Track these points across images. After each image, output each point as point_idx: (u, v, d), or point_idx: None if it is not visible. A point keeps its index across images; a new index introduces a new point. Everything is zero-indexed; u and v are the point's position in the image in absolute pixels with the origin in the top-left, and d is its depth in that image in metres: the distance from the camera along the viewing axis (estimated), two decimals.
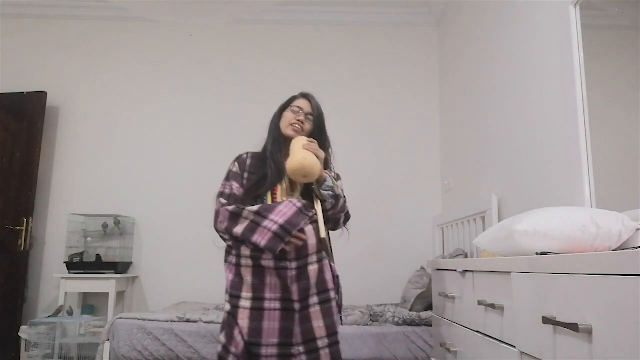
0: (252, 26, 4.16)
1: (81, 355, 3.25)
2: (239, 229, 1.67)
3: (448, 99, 3.83)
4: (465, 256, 2.93)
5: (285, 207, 1.69)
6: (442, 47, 4.00)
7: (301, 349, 1.63)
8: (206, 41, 4.14)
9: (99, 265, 3.59)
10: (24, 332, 3.13)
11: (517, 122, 2.53)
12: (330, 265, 1.81)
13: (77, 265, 3.58)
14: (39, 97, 3.82)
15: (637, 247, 1.06)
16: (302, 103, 1.92)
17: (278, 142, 1.88)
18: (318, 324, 1.66)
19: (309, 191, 1.78)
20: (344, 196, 1.85)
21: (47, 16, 4.11)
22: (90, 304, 3.71)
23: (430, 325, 2.46)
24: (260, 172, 1.82)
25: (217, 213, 1.78)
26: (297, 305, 1.66)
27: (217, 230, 1.79)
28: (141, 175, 3.91)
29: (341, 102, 4.01)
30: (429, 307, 2.82)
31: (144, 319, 2.62)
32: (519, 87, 2.52)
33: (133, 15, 4.12)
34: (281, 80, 4.02)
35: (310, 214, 1.72)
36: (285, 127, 1.88)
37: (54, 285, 3.65)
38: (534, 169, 2.32)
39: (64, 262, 3.60)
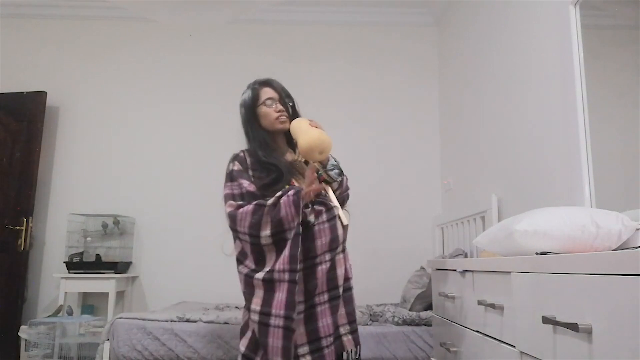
0: (252, 26, 4.16)
1: (81, 355, 3.25)
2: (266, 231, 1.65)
3: (448, 99, 3.82)
4: (465, 256, 2.93)
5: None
6: (442, 47, 4.00)
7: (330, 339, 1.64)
8: (206, 41, 4.14)
9: (99, 265, 3.59)
10: (24, 332, 3.13)
11: (517, 122, 2.53)
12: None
13: (77, 265, 3.58)
14: (39, 97, 3.81)
15: (637, 247, 1.06)
16: (268, 92, 1.88)
17: (266, 143, 1.83)
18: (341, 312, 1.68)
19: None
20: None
21: (47, 16, 4.11)
22: (90, 304, 3.71)
23: (430, 325, 2.46)
24: (268, 172, 1.77)
25: (233, 216, 1.70)
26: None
27: (235, 231, 1.72)
28: (141, 175, 3.91)
29: (341, 102, 4.01)
30: (429, 307, 2.82)
31: (144, 319, 2.62)
32: (519, 87, 2.52)
33: (133, 15, 4.12)
34: (281, 80, 4.01)
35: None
36: (272, 124, 1.84)
37: (54, 285, 3.65)
38: (534, 169, 2.32)
39: (64, 262, 3.60)
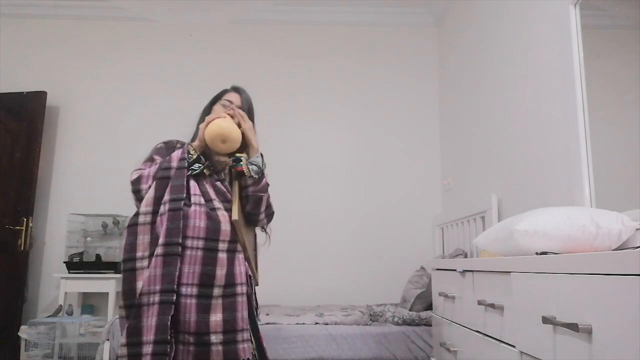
0: (252, 26, 4.16)
1: (81, 355, 3.25)
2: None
3: (448, 98, 3.83)
4: (465, 256, 2.93)
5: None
6: (442, 47, 4.00)
7: (191, 339, 1.50)
8: (206, 41, 4.14)
9: (99, 265, 3.59)
10: (24, 332, 3.13)
11: (517, 122, 2.53)
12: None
13: (77, 265, 3.58)
14: (39, 97, 3.81)
15: (637, 247, 1.06)
16: (232, 97, 1.90)
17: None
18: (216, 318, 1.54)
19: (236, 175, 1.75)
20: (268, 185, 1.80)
21: (47, 16, 4.11)
22: (90, 304, 3.71)
23: (430, 325, 2.46)
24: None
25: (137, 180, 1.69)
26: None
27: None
28: None
29: (341, 101, 4.01)
30: (429, 307, 2.82)
31: None
32: (519, 87, 2.52)
33: (133, 15, 4.12)
34: (281, 80, 4.03)
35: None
36: None
37: (54, 285, 3.65)
38: (534, 169, 2.32)
39: (64, 262, 3.60)
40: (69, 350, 3.25)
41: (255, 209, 1.76)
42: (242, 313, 1.58)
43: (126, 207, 3.82)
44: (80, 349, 3.26)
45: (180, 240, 1.55)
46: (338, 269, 3.79)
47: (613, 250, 1.28)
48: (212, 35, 4.14)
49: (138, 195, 1.67)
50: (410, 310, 2.92)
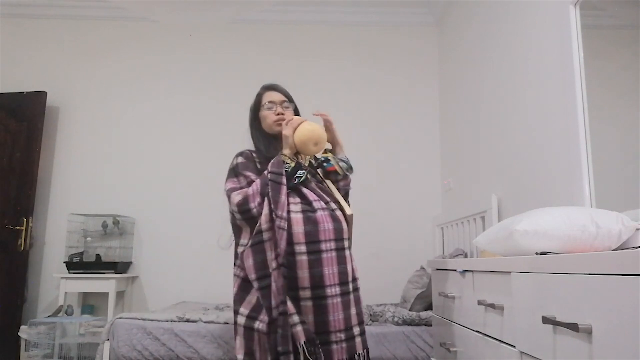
0: (252, 26, 4.16)
1: (81, 355, 3.25)
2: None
3: (448, 98, 3.82)
4: (465, 256, 2.93)
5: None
6: (442, 47, 4.00)
7: (343, 336, 1.60)
8: (206, 41, 4.14)
9: (99, 265, 3.59)
10: (24, 332, 3.13)
11: (517, 122, 2.53)
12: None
13: (77, 265, 3.58)
14: (39, 97, 3.82)
15: (637, 247, 1.06)
16: (271, 96, 1.92)
17: (272, 145, 1.84)
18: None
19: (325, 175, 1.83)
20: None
21: (47, 16, 4.11)
22: (90, 304, 3.71)
23: (430, 325, 2.46)
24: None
25: (239, 202, 1.68)
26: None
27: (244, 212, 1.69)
28: (141, 175, 3.91)
29: (341, 101, 4.01)
30: (429, 307, 2.82)
31: (144, 319, 2.62)
32: (519, 87, 2.52)
33: (133, 15, 4.12)
34: (281, 80, 3.97)
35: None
36: (270, 127, 1.87)
37: (54, 285, 3.65)
38: (534, 169, 2.32)
39: (64, 262, 3.60)
40: (69, 350, 3.25)
41: (346, 200, 1.84)
42: (363, 304, 1.73)
43: (126, 207, 3.85)
44: (80, 349, 3.26)
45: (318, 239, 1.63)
46: None
47: (613, 250, 1.28)
48: (212, 35, 4.14)
49: (248, 215, 1.66)
50: (410, 310, 2.92)
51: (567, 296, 0.94)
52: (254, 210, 1.65)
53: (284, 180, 1.66)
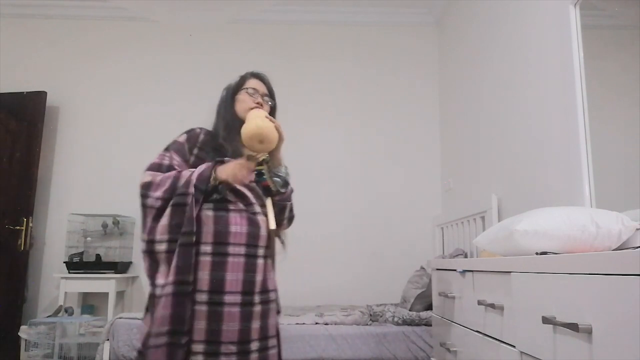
0: (252, 26, 4.16)
1: (81, 355, 3.25)
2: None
3: (448, 99, 3.83)
4: (465, 256, 2.93)
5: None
6: (442, 47, 4.00)
7: (234, 349, 1.46)
8: (206, 41, 4.14)
9: (99, 265, 3.59)
10: (24, 332, 3.13)
11: (517, 122, 2.53)
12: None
13: (77, 265, 3.58)
14: (39, 97, 3.81)
15: (637, 247, 1.06)
16: (255, 84, 1.83)
17: (233, 127, 1.72)
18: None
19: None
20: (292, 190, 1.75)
21: (47, 16, 4.11)
22: (90, 304, 3.71)
23: (430, 325, 2.46)
24: (215, 155, 1.67)
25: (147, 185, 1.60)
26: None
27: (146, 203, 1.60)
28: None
29: (341, 101, 4.01)
30: (429, 307, 2.82)
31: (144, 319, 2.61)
32: (519, 87, 2.52)
33: (133, 15, 4.12)
34: (281, 80, 3.99)
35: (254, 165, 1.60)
36: (244, 112, 1.74)
37: (54, 285, 3.65)
38: (534, 169, 2.32)
39: (64, 262, 3.60)
40: (69, 350, 3.25)
41: (279, 216, 1.70)
42: (274, 319, 1.58)
43: (126, 207, 3.84)
44: (80, 349, 3.26)
45: (191, 279, 1.47)
46: (338, 269, 3.79)
47: (613, 250, 1.28)
48: (212, 35, 4.14)
49: (144, 201, 1.59)
50: (410, 310, 2.92)
51: (567, 296, 0.94)
52: (148, 200, 1.58)
53: (193, 200, 1.52)
